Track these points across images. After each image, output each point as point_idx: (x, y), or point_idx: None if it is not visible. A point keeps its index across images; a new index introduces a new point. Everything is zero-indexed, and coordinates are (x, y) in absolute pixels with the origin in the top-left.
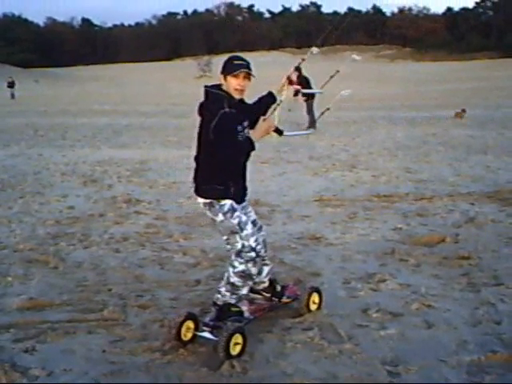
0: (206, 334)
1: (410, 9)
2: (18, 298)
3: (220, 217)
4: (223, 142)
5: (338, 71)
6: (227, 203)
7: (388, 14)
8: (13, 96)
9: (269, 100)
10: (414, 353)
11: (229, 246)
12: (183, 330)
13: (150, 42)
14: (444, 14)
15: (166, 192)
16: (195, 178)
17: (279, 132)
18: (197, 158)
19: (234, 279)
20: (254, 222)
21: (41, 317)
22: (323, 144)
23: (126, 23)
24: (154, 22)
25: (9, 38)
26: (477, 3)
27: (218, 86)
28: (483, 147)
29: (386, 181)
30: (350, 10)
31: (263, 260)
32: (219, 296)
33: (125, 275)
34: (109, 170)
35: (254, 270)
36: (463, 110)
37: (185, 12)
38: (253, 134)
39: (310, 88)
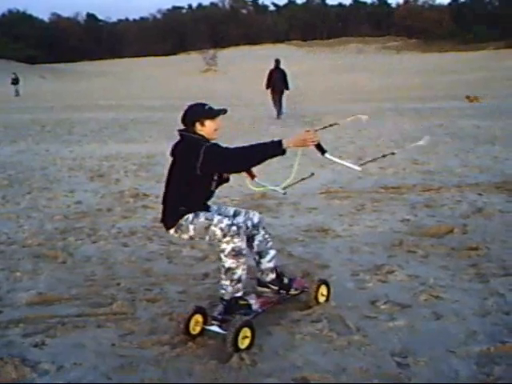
0: (215, 328)
1: (415, 0)
2: (26, 292)
3: (190, 227)
4: (213, 172)
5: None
6: (190, 214)
7: (393, 5)
8: (17, 93)
9: (273, 151)
10: (422, 344)
11: (215, 243)
12: (192, 323)
13: (155, 36)
14: (449, 4)
15: None
16: (163, 217)
17: (322, 149)
18: (165, 197)
19: (228, 263)
20: (235, 214)
21: (50, 311)
22: (330, 136)
23: (130, 18)
24: (158, 16)
25: (14, 34)
26: None
27: (193, 132)
28: (491, 137)
29: (394, 172)
30: (355, 1)
31: (254, 236)
32: (222, 290)
33: (133, 269)
34: (116, 164)
35: (242, 245)
36: (476, 97)
37: (189, 6)
38: (287, 139)
39: (286, 82)
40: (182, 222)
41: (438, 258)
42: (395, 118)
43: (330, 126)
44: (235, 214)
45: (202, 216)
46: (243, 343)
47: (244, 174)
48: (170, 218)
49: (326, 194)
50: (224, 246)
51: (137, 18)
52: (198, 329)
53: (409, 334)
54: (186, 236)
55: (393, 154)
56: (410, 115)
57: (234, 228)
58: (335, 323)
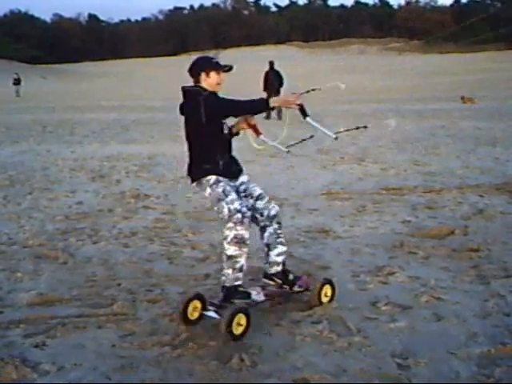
0: (211, 314)
1: (417, 1)
2: (27, 293)
3: (208, 190)
4: (216, 118)
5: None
6: (213, 177)
7: (395, 6)
8: (18, 94)
9: (260, 105)
10: (423, 345)
11: (219, 216)
12: (190, 308)
13: (157, 37)
14: (451, 5)
15: (174, 187)
16: (189, 169)
17: (304, 113)
18: (189, 152)
19: (230, 250)
20: (258, 197)
21: (50, 312)
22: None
23: (132, 19)
24: (160, 17)
25: (16, 34)
26: None
27: (194, 86)
28: (492, 139)
29: (395, 173)
30: (357, 2)
31: (266, 228)
32: (223, 277)
33: (134, 270)
34: (117, 165)
35: (245, 234)
36: (470, 99)
37: (191, 6)
38: (273, 98)
39: (281, 82)
40: (203, 180)
41: (438, 260)
42: (396, 118)
43: (313, 90)
44: (258, 197)
45: (221, 187)
46: (238, 329)
47: (249, 131)
48: (195, 173)
49: (327, 195)
50: (227, 232)
51: (138, 18)
52: (196, 314)
53: (409, 336)
54: (203, 193)
55: (365, 127)
56: (411, 116)
57: (239, 215)
58: (336, 324)
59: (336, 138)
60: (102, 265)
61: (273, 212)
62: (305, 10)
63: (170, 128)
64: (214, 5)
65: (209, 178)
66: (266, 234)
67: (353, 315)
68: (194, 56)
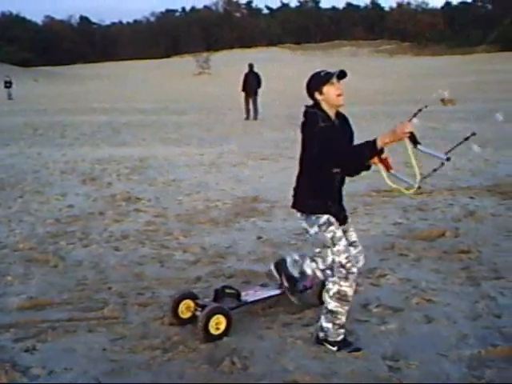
0: (198, 314)
1: (408, 3)
2: (17, 297)
3: (315, 228)
4: (326, 152)
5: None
6: (324, 216)
7: (387, 8)
8: (10, 97)
9: (368, 153)
10: (414, 347)
11: (320, 260)
12: (182, 307)
13: (149, 39)
14: (442, 8)
15: (166, 189)
16: (295, 195)
17: (414, 141)
18: (298, 177)
19: (331, 305)
20: (352, 244)
21: (41, 316)
22: None
23: (124, 21)
24: (152, 19)
25: (7, 37)
26: None
27: (315, 106)
28: (482, 140)
29: (386, 175)
30: (349, 4)
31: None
32: (322, 333)
33: (125, 273)
34: (108, 168)
35: (349, 291)
36: (450, 100)
37: (183, 9)
38: (380, 136)
39: (259, 84)
40: (312, 216)
41: (429, 262)
42: (388, 120)
43: (419, 110)
44: (352, 244)
45: (331, 232)
46: (216, 330)
47: (380, 165)
48: (301, 205)
49: None
50: (330, 285)
51: (130, 20)
52: (188, 314)
53: (400, 338)
54: (305, 225)
55: (473, 134)
56: (402, 118)
57: (343, 271)
58: None
59: (448, 159)
60: (92, 268)
61: (361, 263)
62: (296, 12)
63: (161, 130)
64: (205, 7)
65: (319, 216)
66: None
67: None
68: (186, 58)
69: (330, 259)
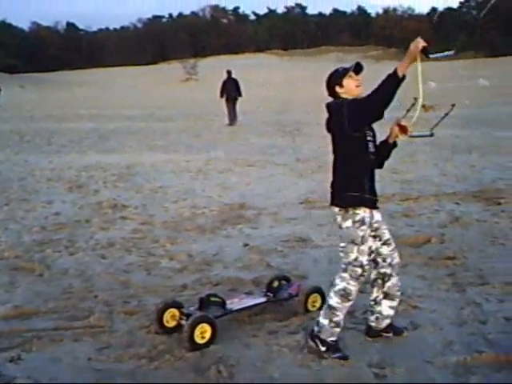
0: (183, 323)
1: (394, 9)
2: (3, 306)
3: (348, 223)
4: (363, 121)
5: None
6: (361, 213)
7: (373, 14)
8: None
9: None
10: (400, 354)
11: (342, 254)
12: (166, 316)
13: (136, 45)
14: (428, 14)
15: (152, 197)
16: (332, 192)
17: (427, 52)
18: (334, 166)
19: (334, 300)
20: (385, 242)
21: (26, 325)
22: (310, 146)
23: (111, 27)
24: (139, 25)
25: None
26: (461, 3)
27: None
28: (468, 147)
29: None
30: (335, 11)
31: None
32: (316, 328)
33: (111, 281)
34: (95, 175)
35: (354, 290)
36: (431, 106)
37: (170, 15)
38: (397, 65)
39: (239, 91)
40: (350, 210)
41: (415, 268)
42: (375, 126)
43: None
44: (385, 242)
45: (363, 231)
46: (201, 338)
47: (398, 131)
48: (340, 199)
49: (305, 204)
50: (338, 281)
51: (117, 27)
52: (173, 323)
53: (386, 345)
54: (339, 220)
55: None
56: (388, 124)
57: (359, 271)
58: None
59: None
60: (78, 276)
61: (395, 261)
62: (283, 18)
63: (148, 137)
64: (192, 13)
65: (357, 211)
66: (389, 284)
67: None
68: (173, 65)
69: (353, 256)
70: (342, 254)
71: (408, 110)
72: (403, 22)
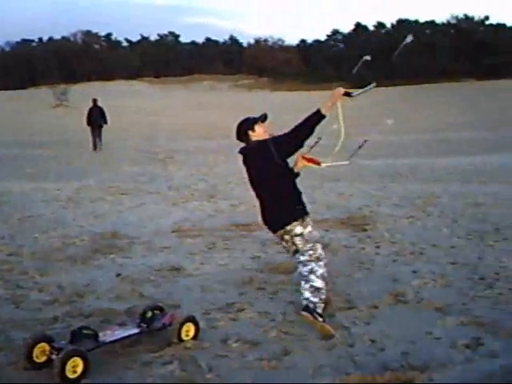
0: (54, 357)
1: (265, 40)
2: None
3: (309, 228)
4: (288, 153)
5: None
6: (310, 216)
7: (245, 44)
8: None
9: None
10: (272, 380)
11: (311, 252)
12: (36, 351)
13: (3, 69)
14: (298, 45)
15: (21, 226)
16: (267, 217)
17: (348, 94)
18: (262, 201)
19: (318, 283)
20: None
21: None
22: (182, 174)
23: None
24: (7, 48)
25: None
26: (328, 36)
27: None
28: (336, 175)
29: (245, 210)
30: (208, 40)
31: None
32: (305, 301)
33: None
34: None
35: (325, 271)
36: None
37: (40, 39)
38: (320, 105)
39: (105, 119)
40: (306, 218)
41: (286, 294)
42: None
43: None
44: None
45: (316, 230)
46: (73, 373)
47: (309, 164)
48: (288, 217)
49: (178, 233)
50: (316, 267)
51: None
52: (43, 358)
53: (259, 371)
54: (300, 230)
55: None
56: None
57: (325, 258)
58: (187, 364)
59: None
60: None
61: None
62: (156, 45)
63: (17, 164)
64: (63, 38)
65: (308, 218)
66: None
67: (204, 353)
68: (44, 90)
69: (320, 251)
70: (310, 253)
71: (312, 147)
72: (273, 52)
